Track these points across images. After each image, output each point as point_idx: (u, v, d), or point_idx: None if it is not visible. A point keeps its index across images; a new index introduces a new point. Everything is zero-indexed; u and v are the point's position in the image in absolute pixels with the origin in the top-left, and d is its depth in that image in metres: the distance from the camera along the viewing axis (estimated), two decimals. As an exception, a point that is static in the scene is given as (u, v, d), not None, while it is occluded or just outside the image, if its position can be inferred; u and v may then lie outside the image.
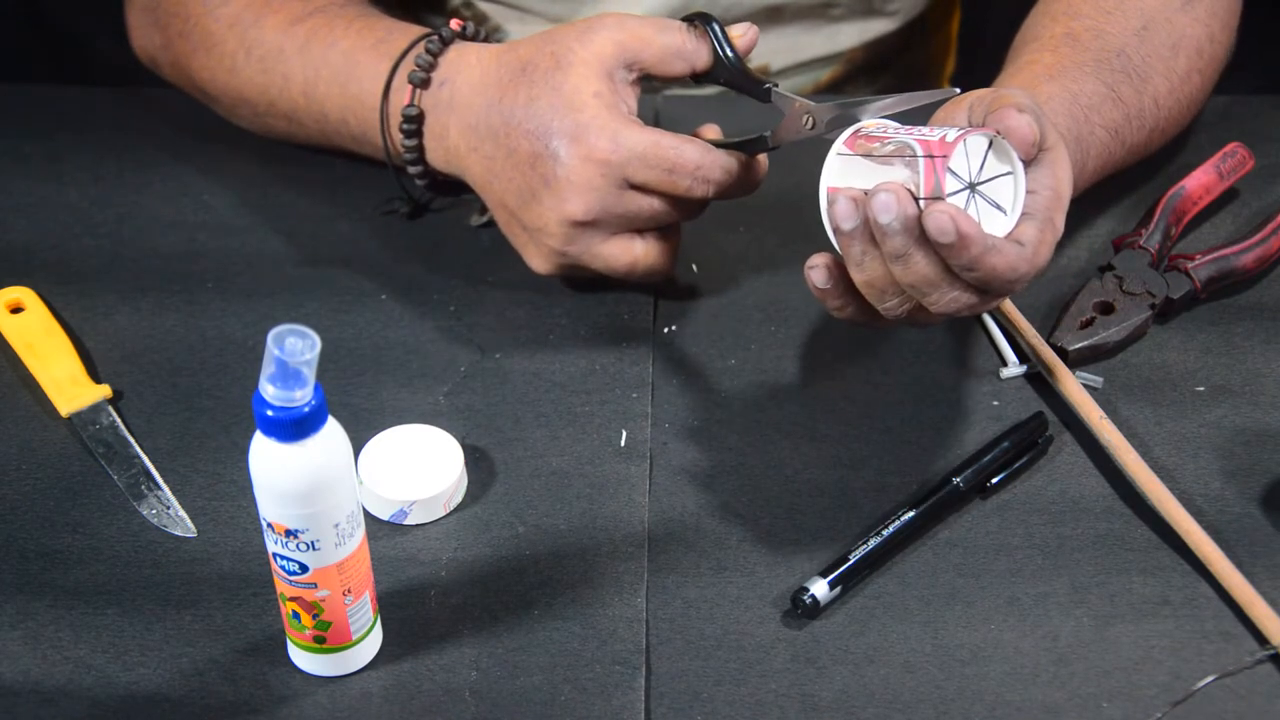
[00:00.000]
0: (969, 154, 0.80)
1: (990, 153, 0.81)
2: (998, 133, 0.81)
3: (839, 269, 0.84)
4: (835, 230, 0.82)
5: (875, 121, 0.85)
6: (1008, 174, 0.82)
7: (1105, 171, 1.00)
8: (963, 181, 0.80)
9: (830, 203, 0.81)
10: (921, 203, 0.79)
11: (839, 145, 0.84)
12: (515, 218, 0.96)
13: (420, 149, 0.99)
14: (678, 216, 0.95)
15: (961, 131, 0.80)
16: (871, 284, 0.82)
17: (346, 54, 1.01)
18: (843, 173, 0.83)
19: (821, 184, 0.84)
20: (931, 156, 0.79)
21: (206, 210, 1.09)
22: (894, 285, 0.82)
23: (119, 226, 1.08)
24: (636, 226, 0.95)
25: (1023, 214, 0.82)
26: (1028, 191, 0.82)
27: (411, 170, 1.00)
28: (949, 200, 0.79)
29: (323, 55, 1.02)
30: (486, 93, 0.95)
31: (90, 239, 1.07)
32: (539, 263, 0.97)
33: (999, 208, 0.81)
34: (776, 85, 0.92)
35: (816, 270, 0.84)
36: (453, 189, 1.04)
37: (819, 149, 0.86)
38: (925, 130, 0.82)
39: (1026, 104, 0.82)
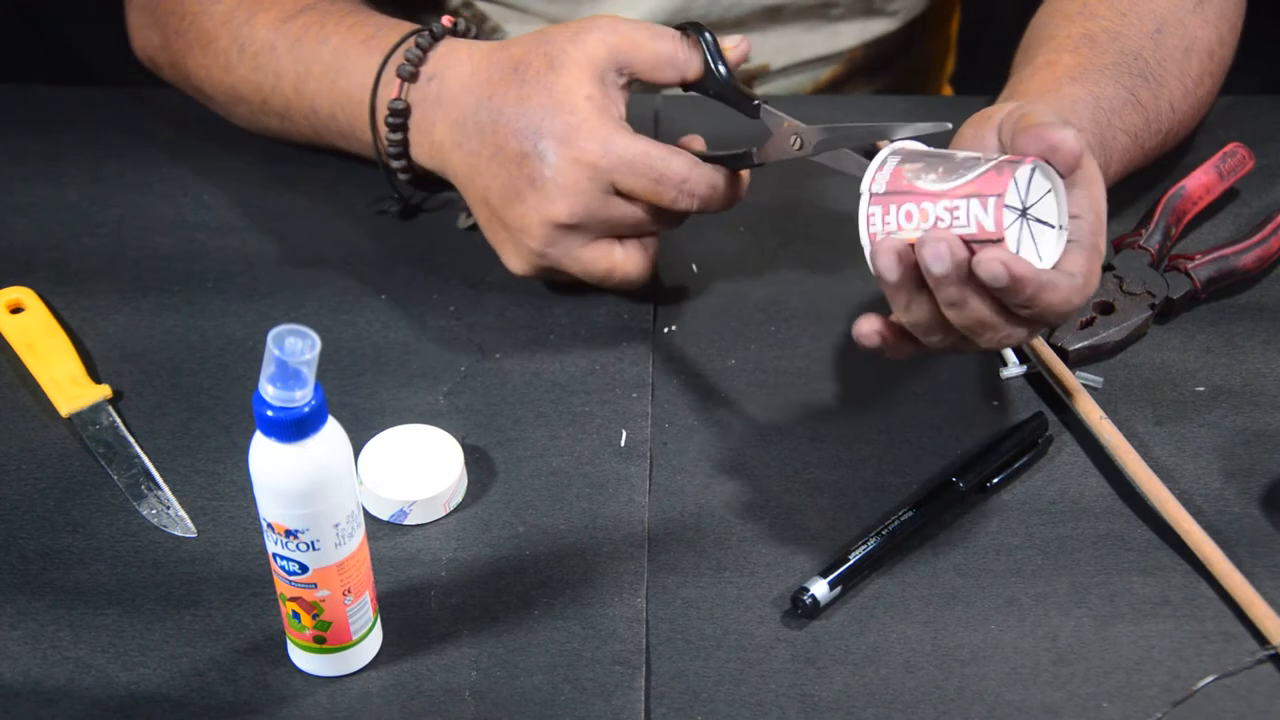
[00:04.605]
0: (1018, 184, 0.80)
1: (1034, 175, 0.81)
2: (1044, 160, 0.80)
3: (888, 326, 0.84)
4: (880, 281, 0.81)
5: (907, 150, 0.83)
6: (1049, 191, 0.81)
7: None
8: (1015, 211, 0.80)
9: (873, 255, 0.80)
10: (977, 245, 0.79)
11: (874, 184, 0.82)
12: (497, 216, 0.96)
13: (405, 143, 0.99)
14: (659, 226, 0.96)
15: (1009, 165, 0.79)
16: (918, 324, 0.82)
17: (337, 49, 1.01)
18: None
19: (861, 230, 0.82)
20: (983, 196, 0.79)
21: (206, 210, 1.09)
22: (942, 324, 0.82)
23: (119, 226, 1.08)
24: (617, 233, 0.95)
25: (1070, 241, 0.82)
26: (1071, 216, 0.82)
27: (395, 165, 1.00)
28: (1008, 232, 0.79)
29: (314, 51, 1.02)
30: (476, 90, 0.95)
31: (90, 239, 1.07)
32: (516, 263, 0.97)
33: (1047, 224, 0.81)
34: (766, 102, 0.92)
35: (867, 336, 0.84)
36: (435, 185, 1.04)
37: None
38: (968, 169, 0.80)
39: (1058, 120, 0.81)
